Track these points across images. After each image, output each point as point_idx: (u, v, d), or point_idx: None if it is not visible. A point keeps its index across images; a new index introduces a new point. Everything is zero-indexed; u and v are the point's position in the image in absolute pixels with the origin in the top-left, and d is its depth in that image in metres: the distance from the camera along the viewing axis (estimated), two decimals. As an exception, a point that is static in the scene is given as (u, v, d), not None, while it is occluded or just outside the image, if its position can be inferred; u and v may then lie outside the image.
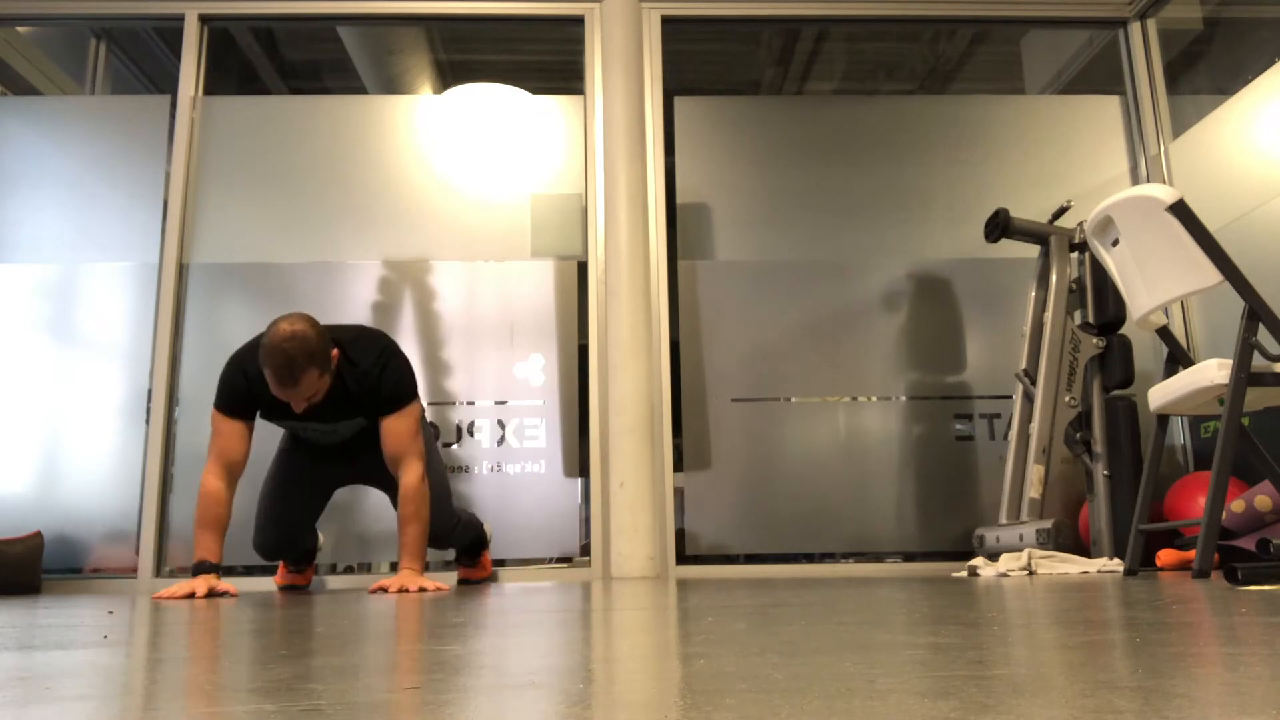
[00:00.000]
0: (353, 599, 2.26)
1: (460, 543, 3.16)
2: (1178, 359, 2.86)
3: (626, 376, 3.70)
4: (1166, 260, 2.52)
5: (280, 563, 3.24)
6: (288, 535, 3.01)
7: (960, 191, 4.12)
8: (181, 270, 3.87)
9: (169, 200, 3.93)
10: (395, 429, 2.75)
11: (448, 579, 3.48)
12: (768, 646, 0.90)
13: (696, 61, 5.51)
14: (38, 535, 3.42)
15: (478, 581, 3.35)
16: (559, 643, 1.01)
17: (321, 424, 2.83)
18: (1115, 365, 3.49)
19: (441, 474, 3.05)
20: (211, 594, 2.55)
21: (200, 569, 2.62)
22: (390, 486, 2.98)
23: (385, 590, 2.58)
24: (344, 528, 3.71)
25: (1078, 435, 3.47)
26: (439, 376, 3.83)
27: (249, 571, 3.67)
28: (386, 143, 4.06)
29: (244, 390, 2.71)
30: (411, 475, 2.72)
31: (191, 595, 2.51)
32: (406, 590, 2.57)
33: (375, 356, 2.73)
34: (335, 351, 2.66)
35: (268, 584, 3.60)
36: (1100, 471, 3.40)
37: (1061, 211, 3.70)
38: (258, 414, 2.79)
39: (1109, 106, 4.24)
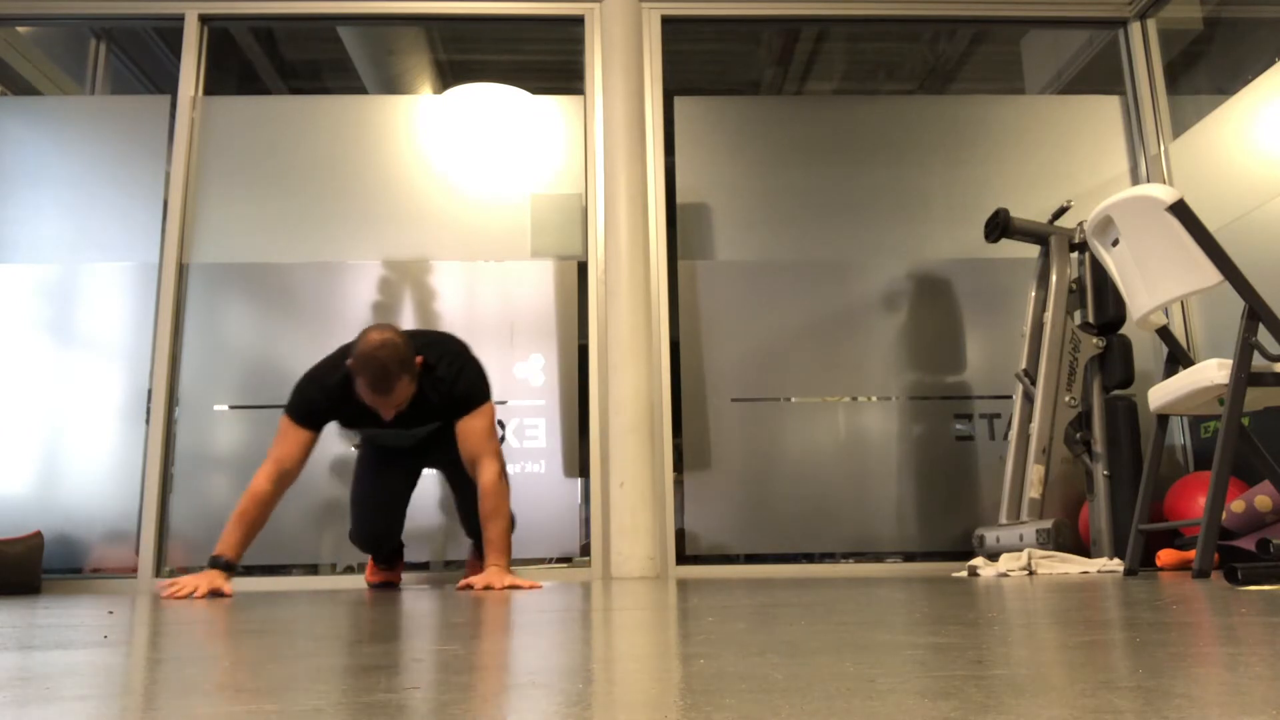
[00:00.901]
0: (353, 599, 2.26)
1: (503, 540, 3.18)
2: (1178, 359, 2.85)
3: (626, 376, 3.70)
4: (1166, 260, 2.52)
5: (370, 560, 3.29)
6: (385, 523, 3.07)
7: (960, 191, 4.12)
8: (181, 270, 3.87)
9: (169, 200, 3.93)
10: (471, 429, 2.80)
11: (447, 578, 3.47)
12: (768, 646, 0.90)
13: (696, 61, 5.51)
14: (38, 535, 3.42)
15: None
16: (559, 643, 1.01)
17: (401, 429, 2.88)
18: (1115, 365, 3.49)
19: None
20: (212, 594, 2.55)
21: (214, 563, 2.62)
22: (448, 478, 3.08)
23: (472, 587, 2.60)
24: (344, 527, 3.70)
25: (1078, 435, 3.47)
26: (439, 376, 3.83)
27: (249, 571, 3.67)
28: (386, 143, 4.06)
29: (320, 402, 2.76)
30: (489, 473, 2.76)
31: (193, 594, 2.50)
32: (491, 588, 2.58)
33: (451, 363, 2.80)
34: (419, 358, 2.72)
35: (269, 584, 3.60)
36: (1100, 471, 3.40)
37: (1061, 211, 3.70)
38: (332, 424, 2.84)
39: (1109, 106, 4.24)
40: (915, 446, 3.88)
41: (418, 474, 3.18)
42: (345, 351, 2.80)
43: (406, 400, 2.70)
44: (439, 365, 2.78)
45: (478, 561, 3.32)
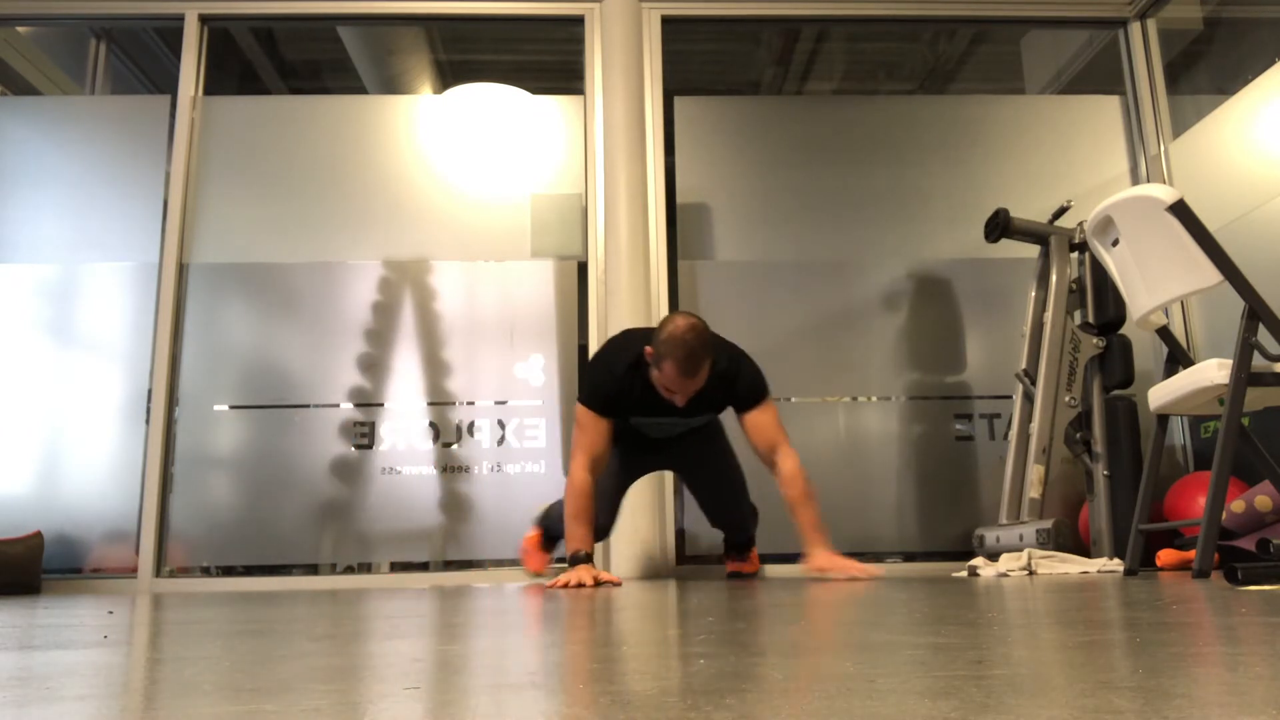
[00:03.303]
0: (351, 598, 2.25)
1: (748, 533, 3.29)
2: (1178, 359, 2.85)
3: (626, 376, 3.69)
4: (1166, 260, 2.52)
5: (536, 533, 3.37)
6: (609, 518, 3.15)
7: (960, 191, 4.12)
8: (181, 270, 3.87)
9: (169, 200, 3.93)
10: (761, 422, 2.89)
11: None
12: (768, 646, 0.90)
13: (696, 61, 5.51)
14: (38, 535, 3.42)
15: (748, 576, 3.39)
16: (559, 643, 1.01)
17: (678, 418, 2.96)
18: (1115, 365, 3.49)
19: (739, 465, 3.21)
20: (598, 583, 2.65)
21: (577, 559, 2.74)
22: (692, 476, 3.20)
23: (825, 570, 2.73)
24: (344, 528, 3.71)
25: (1078, 435, 3.46)
26: (439, 376, 3.83)
27: (249, 571, 3.67)
28: (386, 143, 4.06)
29: (612, 390, 2.85)
30: (790, 461, 2.86)
31: (580, 585, 2.60)
32: (854, 576, 2.69)
33: (728, 359, 2.89)
34: None
35: (268, 584, 3.60)
36: (1100, 471, 3.40)
37: (1061, 211, 3.70)
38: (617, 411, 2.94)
39: (1109, 106, 4.24)
40: (915, 446, 3.88)
41: (645, 474, 3.27)
42: (631, 338, 2.91)
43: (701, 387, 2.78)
44: (718, 358, 2.85)
45: (736, 558, 3.41)
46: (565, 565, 2.82)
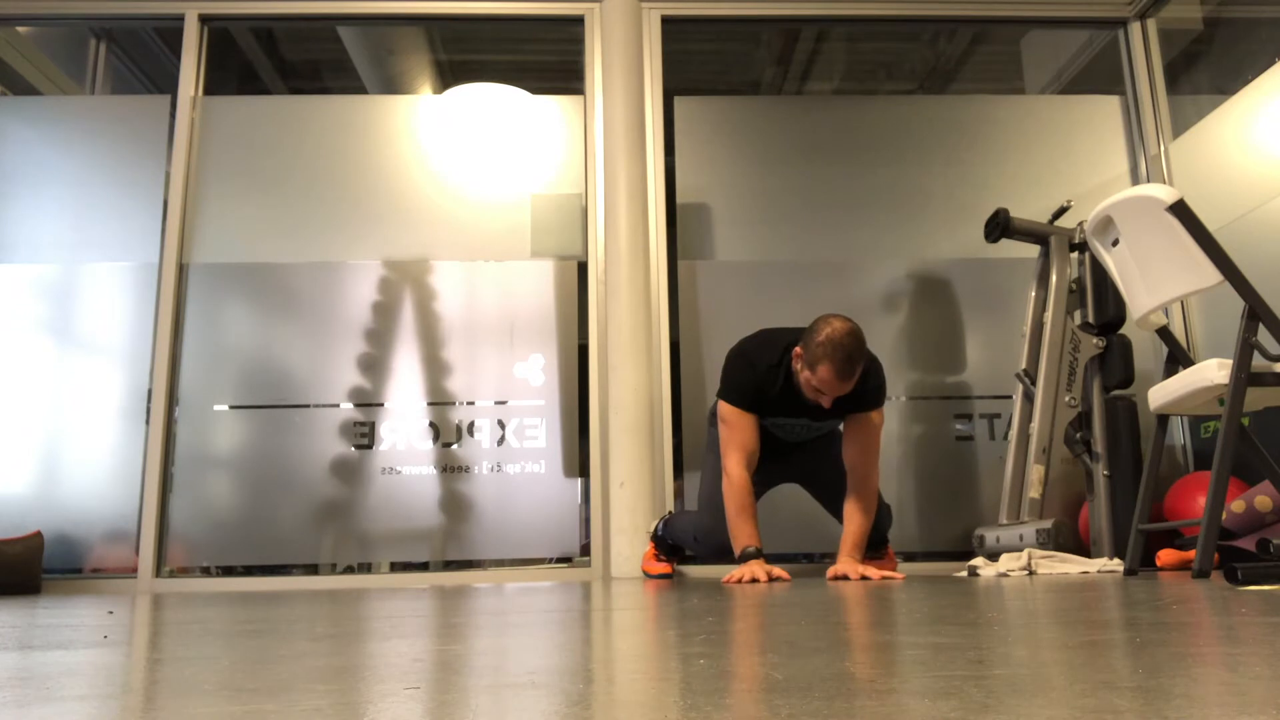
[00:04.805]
0: (351, 598, 2.25)
1: (881, 532, 3.23)
2: (1178, 359, 2.85)
3: (626, 376, 3.70)
4: (1166, 260, 2.52)
5: (651, 549, 3.37)
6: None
7: (960, 191, 4.11)
8: (181, 270, 3.88)
9: (169, 200, 3.93)
10: (869, 424, 2.88)
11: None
12: (768, 646, 0.90)
13: (696, 61, 5.51)
14: (38, 535, 3.42)
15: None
16: (559, 643, 1.01)
17: (811, 422, 2.95)
18: (1115, 365, 3.49)
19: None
20: (771, 578, 2.65)
21: (746, 555, 2.75)
22: (817, 487, 3.18)
23: (847, 577, 2.70)
24: (344, 527, 3.71)
25: (1078, 435, 3.46)
26: (439, 376, 3.83)
27: (249, 571, 3.67)
28: (386, 143, 4.06)
29: (753, 384, 2.85)
30: (873, 476, 2.88)
31: (754, 580, 2.61)
32: (867, 578, 2.68)
33: (868, 362, 2.87)
34: None
35: (268, 584, 3.60)
36: (1100, 471, 3.40)
37: (1061, 211, 3.70)
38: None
39: (1109, 106, 4.24)
40: (915, 446, 3.88)
41: (772, 485, 3.23)
42: (773, 337, 2.90)
43: None
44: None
45: (872, 556, 3.31)
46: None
